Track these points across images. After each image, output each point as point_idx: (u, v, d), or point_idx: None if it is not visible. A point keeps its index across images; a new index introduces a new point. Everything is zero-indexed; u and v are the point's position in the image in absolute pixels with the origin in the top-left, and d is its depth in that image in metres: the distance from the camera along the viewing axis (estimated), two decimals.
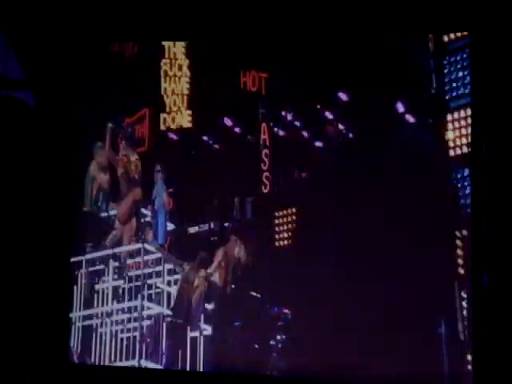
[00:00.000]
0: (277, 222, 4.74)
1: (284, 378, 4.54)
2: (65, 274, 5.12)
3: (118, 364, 5.06)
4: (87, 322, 5.18)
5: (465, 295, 4.06)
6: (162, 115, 5.18)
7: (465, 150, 4.18)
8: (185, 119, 5.11)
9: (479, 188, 4.03)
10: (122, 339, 5.08)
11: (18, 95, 5.20)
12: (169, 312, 4.97)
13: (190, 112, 5.11)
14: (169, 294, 5.02)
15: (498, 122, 4.00)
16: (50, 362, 4.94)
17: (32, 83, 5.18)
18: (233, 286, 4.80)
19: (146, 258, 5.10)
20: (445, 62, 4.24)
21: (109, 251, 5.21)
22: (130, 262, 5.17)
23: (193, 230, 5.00)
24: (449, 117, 4.22)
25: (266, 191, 4.79)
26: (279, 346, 4.58)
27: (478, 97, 4.08)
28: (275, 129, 4.82)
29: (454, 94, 4.22)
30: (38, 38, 5.09)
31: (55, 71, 5.13)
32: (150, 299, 5.05)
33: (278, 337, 4.59)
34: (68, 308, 5.16)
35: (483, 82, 4.05)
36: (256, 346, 4.63)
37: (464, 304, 4.04)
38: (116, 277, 5.19)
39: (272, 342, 4.60)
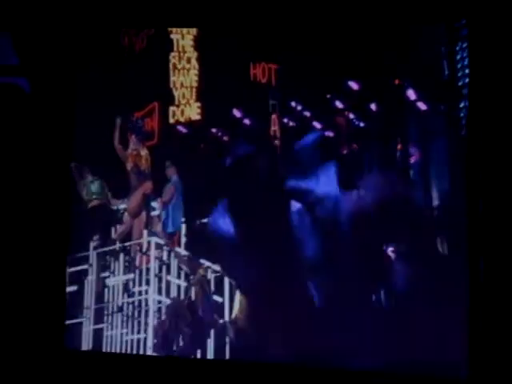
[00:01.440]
0: None
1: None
2: (61, 266, 5.12)
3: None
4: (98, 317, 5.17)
5: None
6: (171, 108, 5.15)
7: None
8: (194, 112, 5.08)
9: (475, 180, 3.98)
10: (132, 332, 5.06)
11: (14, 80, 5.18)
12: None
13: (198, 104, 5.08)
14: (178, 287, 4.98)
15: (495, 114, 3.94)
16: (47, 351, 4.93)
17: (27, 69, 5.15)
18: None
19: (156, 251, 5.07)
20: (457, 47, 4.19)
21: (118, 245, 5.18)
22: (139, 255, 5.14)
23: (203, 221, 4.96)
24: (461, 104, 4.17)
25: None
26: None
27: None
28: (285, 120, 4.77)
29: (467, 80, 4.16)
30: (36, 26, 5.07)
31: (53, 58, 5.10)
32: (159, 292, 5.02)
33: None
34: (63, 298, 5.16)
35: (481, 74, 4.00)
36: None
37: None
38: (126, 271, 5.16)
39: None
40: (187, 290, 4.92)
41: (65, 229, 5.12)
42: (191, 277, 4.92)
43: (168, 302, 4.99)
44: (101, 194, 5.31)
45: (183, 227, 5.03)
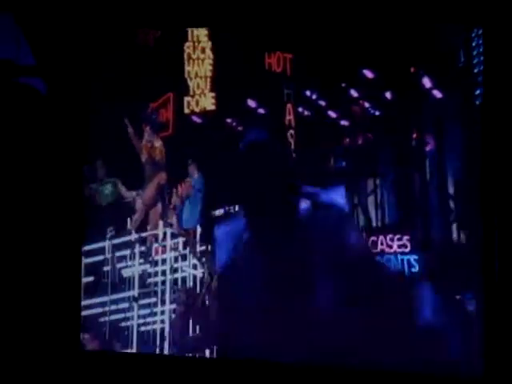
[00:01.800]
0: None
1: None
2: (76, 259, 5.14)
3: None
4: (114, 307, 5.18)
5: None
6: (186, 98, 5.13)
7: None
8: (208, 102, 5.06)
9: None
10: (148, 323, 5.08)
11: (30, 81, 5.19)
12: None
13: (213, 94, 5.06)
14: (195, 277, 4.98)
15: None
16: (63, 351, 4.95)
17: (43, 70, 5.16)
18: None
19: (172, 241, 5.07)
20: (473, 34, 4.15)
21: (134, 236, 5.19)
22: (155, 246, 5.15)
23: (218, 213, 4.95)
24: (477, 91, 4.13)
25: None
26: None
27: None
28: (300, 109, 4.75)
29: (483, 67, 4.12)
30: (52, 22, 5.07)
31: (69, 57, 5.10)
32: (176, 283, 5.02)
33: None
34: (79, 296, 5.17)
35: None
36: None
37: None
38: (142, 261, 5.17)
39: None
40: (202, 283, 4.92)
41: (80, 220, 5.13)
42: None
43: (183, 293, 5.00)
44: (114, 193, 5.32)
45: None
